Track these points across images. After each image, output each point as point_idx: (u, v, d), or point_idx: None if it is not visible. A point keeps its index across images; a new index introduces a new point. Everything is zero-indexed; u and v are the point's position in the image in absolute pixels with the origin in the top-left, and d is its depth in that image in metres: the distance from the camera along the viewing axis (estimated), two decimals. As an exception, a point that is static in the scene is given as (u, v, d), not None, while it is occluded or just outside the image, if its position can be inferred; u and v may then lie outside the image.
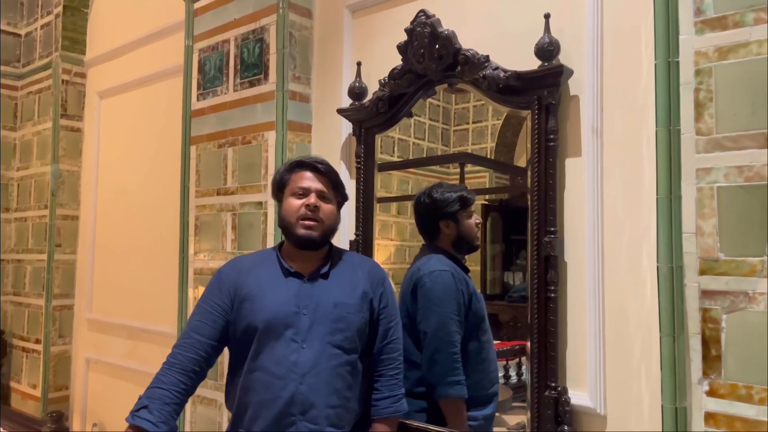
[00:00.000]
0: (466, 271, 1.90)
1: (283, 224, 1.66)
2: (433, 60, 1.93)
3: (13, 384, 4.01)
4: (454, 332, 1.78)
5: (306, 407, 1.54)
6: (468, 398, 1.78)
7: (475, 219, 1.93)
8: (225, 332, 1.63)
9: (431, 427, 1.83)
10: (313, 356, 1.56)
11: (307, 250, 1.66)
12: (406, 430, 1.82)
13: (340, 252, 1.75)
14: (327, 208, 1.65)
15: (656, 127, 1.49)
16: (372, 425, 1.68)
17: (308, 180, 1.65)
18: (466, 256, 1.96)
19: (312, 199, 1.63)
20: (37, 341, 3.79)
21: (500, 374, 1.92)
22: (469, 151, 2.15)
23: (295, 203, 1.64)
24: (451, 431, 1.79)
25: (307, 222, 1.62)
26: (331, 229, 1.68)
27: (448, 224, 1.91)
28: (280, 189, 1.70)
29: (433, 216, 1.92)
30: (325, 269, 1.66)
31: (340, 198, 1.72)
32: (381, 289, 1.71)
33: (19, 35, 4.18)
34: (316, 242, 1.64)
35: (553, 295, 1.67)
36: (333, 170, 1.70)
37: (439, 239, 1.93)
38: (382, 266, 1.81)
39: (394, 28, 2.14)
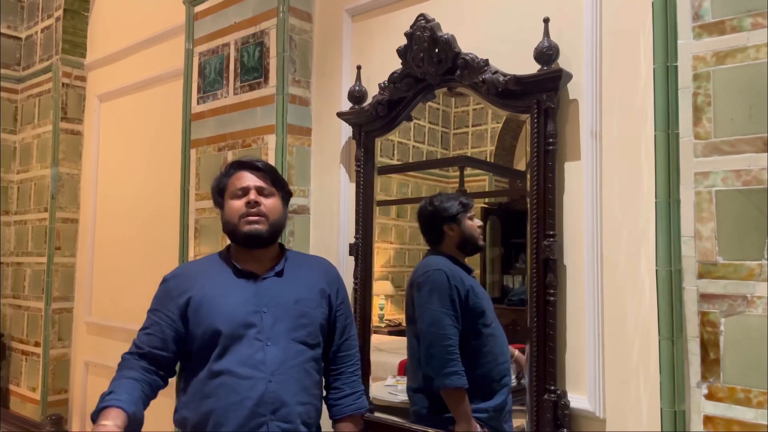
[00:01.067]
0: (470, 271, 1.91)
1: (228, 228, 1.61)
2: (433, 64, 1.94)
3: (12, 387, 4.00)
4: (448, 326, 1.80)
5: (276, 406, 1.48)
6: (475, 391, 1.79)
7: (477, 221, 1.95)
8: (177, 343, 1.56)
9: (429, 429, 1.84)
10: (279, 353, 1.51)
11: (257, 248, 1.60)
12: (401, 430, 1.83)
13: (292, 252, 1.72)
14: (269, 202, 1.60)
15: (655, 131, 1.49)
16: (335, 425, 1.64)
17: (246, 179, 1.60)
18: (467, 259, 1.97)
19: (252, 195, 1.58)
20: (37, 344, 3.78)
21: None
22: (469, 155, 2.16)
23: (235, 204, 1.59)
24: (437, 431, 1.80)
25: (250, 218, 1.56)
26: (278, 224, 1.62)
27: (451, 227, 1.92)
28: (220, 194, 1.65)
29: (437, 220, 1.94)
30: (279, 267, 1.62)
31: (284, 193, 1.67)
32: (337, 286, 1.70)
33: (19, 38, 4.19)
34: (264, 237, 1.58)
35: (552, 298, 1.67)
36: (272, 167, 1.66)
37: (443, 243, 1.94)
38: (382, 269, 1.82)
39: (393, 32, 2.14)
